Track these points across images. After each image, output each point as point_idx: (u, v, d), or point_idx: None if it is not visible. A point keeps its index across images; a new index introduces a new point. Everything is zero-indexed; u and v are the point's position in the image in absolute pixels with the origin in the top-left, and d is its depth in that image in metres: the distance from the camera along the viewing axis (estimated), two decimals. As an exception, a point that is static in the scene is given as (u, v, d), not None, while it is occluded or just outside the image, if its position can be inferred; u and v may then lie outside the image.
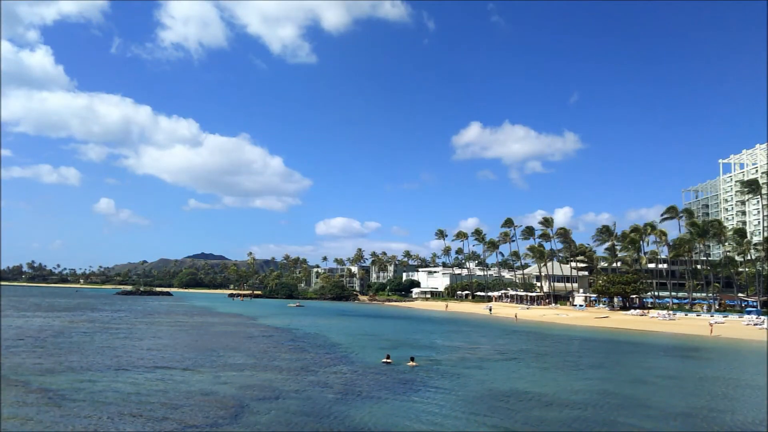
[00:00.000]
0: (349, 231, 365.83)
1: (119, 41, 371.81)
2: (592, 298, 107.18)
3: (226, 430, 15.25)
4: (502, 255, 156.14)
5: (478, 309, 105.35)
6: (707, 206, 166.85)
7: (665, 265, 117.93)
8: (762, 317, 70.16)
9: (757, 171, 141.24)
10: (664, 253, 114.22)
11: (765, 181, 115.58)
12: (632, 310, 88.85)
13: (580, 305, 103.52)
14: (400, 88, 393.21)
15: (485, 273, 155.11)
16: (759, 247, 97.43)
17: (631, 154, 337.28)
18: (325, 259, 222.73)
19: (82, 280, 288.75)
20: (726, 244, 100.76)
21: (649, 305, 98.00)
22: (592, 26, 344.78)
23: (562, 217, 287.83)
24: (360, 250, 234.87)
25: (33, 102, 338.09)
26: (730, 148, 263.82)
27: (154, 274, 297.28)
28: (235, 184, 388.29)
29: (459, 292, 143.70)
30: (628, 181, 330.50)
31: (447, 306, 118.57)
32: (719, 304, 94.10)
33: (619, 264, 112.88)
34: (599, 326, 67.99)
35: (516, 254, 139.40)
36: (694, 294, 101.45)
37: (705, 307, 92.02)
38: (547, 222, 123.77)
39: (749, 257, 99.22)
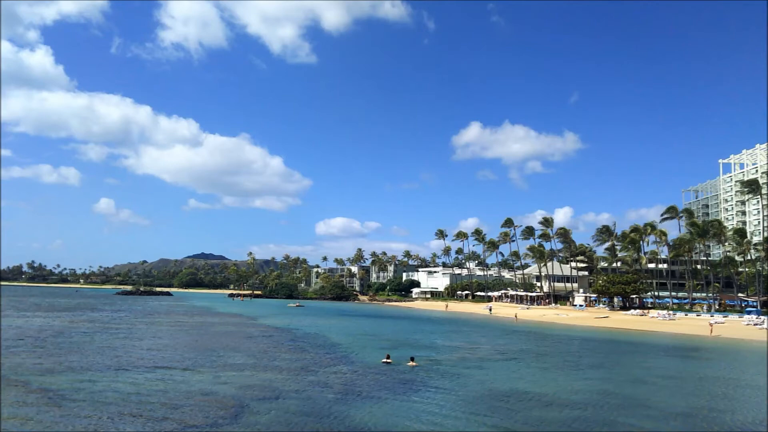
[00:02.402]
0: (349, 231, 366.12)
1: (119, 41, 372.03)
2: (592, 298, 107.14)
3: (226, 430, 15.26)
4: (502, 255, 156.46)
5: (478, 309, 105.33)
6: (707, 206, 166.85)
7: (665, 265, 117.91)
8: (762, 317, 70.14)
9: (757, 171, 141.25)
10: (664, 253, 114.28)
11: (765, 181, 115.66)
12: (632, 310, 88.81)
13: (580, 305, 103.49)
14: (400, 88, 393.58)
15: (485, 273, 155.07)
16: (759, 247, 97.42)
17: (631, 154, 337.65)
18: (325, 259, 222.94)
19: (82, 280, 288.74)
20: (726, 244, 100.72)
21: (649, 305, 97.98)
22: (592, 26, 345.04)
23: (562, 217, 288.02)
24: (360, 250, 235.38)
25: (33, 102, 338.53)
26: (730, 148, 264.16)
27: (154, 274, 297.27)
28: (235, 184, 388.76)
29: (459, 292, 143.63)
30: (628, 181, 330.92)
31: (447, 306, 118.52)
32: (719, 304, 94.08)
33: (619, 264, 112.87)
34: (599, 326, 67.98)
35: (516, 254, 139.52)
36: (694, 294, 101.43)
37: (705, 307, 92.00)
38: (547, 222, 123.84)
39: (749, 257, 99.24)
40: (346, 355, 32.34)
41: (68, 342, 35.02)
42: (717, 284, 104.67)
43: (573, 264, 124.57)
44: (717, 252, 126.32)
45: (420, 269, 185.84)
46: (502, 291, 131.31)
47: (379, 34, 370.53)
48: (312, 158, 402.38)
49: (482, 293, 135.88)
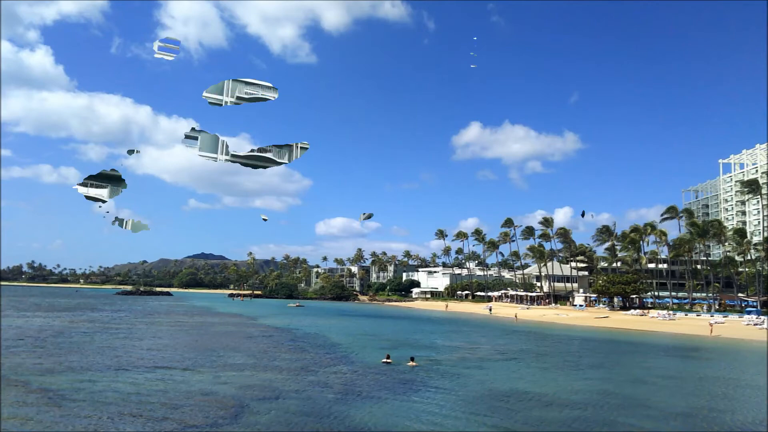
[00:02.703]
0: (349, 231, 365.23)
1: (119, 41, 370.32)
2: (592, 298, 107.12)
3: (226, 430, 15.26)
4: (502, 255, 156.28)
5: (478, 309, 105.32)
6: (707, 206, 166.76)
7: (665, 265, 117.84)
8: (762, 317, 70.12)
9: (757, 171, 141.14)
10: (664, 253, 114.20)
11: (765, 181, 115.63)
12: (632, 310, 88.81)
13: (580, 305, 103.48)
14: (400, 88, 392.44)
15: (485, 273, 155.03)
16: (759, 247, 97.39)
17: (631, 154, 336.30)
18: (325, 259, 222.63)
19: (82, 280, 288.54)
20: (726, 244, 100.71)
21: (649, 305, 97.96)
22: (592, 26, 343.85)
23: (562, 217, 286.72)
24: (360, 250, 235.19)
25: (33, 102, 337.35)
26: (730, 148, 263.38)
27: (154, 274, 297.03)
28: (235, 184, 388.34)
29: (459, 292, 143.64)
30: (628, 181, 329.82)
31: (447, 306, 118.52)
32: (719, 304, 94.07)
33: (619, 264, 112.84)
34: (599, 326, 67.97)
35: (516, 254, 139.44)
36: (694, 294, 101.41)
37: (705, 307, 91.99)
38: (547, 222, 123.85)
39: (749, 257, 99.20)
40: (346, 355, 32.34)
41: (68, 342, 35.01)
42: (717, 284, 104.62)
43: (573, 264, 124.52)
44: (717, 252, 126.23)
45: (420, 269, 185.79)
46: (502, 291, 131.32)
47: (379, 34, 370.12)
48: (312, 158, 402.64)
49: (482, 293, 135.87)
